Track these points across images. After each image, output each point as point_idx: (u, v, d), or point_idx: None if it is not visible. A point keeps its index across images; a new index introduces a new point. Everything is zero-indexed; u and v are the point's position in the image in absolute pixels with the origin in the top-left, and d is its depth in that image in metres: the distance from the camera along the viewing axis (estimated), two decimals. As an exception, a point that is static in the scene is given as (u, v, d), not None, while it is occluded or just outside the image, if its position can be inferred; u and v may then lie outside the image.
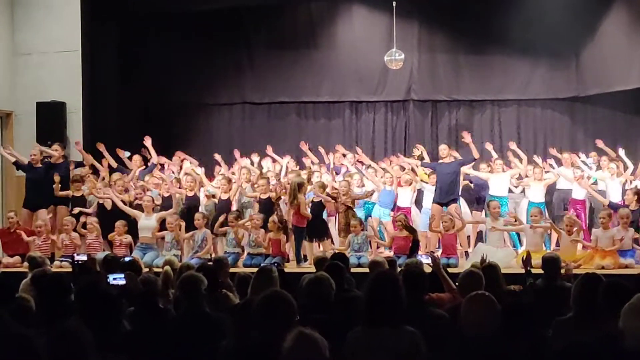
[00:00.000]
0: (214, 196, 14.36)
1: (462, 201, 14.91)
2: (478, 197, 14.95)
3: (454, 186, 14.10)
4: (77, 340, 4.74)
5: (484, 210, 14.61)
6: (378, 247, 14.06)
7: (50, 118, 15.48)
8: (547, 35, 16.42)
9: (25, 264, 11.71)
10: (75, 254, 12.16)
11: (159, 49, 17.80)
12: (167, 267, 9.31)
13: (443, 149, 14.61)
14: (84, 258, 10.36)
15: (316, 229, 13.40)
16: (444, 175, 14.12)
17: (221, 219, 13.48)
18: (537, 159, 15.06)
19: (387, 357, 5.01)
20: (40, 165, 14.19)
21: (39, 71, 15.84)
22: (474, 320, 5.31)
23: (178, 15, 17.16)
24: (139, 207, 13.74)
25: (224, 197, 14.10)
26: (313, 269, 9.24)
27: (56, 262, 12.92)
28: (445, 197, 14.04)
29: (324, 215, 13.92)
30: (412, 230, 12.87)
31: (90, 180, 14.34)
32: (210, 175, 15.58)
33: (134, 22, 16.91)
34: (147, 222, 13.53)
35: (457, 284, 7.24)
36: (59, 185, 13.78)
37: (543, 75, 17.22)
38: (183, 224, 13.61)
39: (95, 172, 14.95)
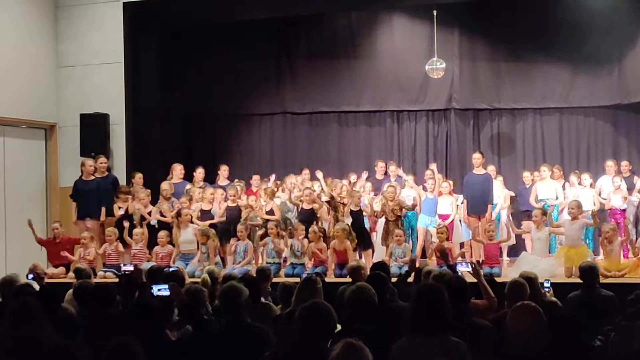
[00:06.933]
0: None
1: (507, 212, 14.99)
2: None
3: (485, 196, 14.09)
4: (132, 356, 4.79)
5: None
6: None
7: (93, 130, 15.55)
8: (589, 42, 16.27)
9: (71, 274, 11.84)
10: (121, 264, 12.27)
11: (200, 60, 17.93)
12: (205, 276, 9.37)
13: (477, 157, 14.58)
14: (131, 268, 10.40)
15: (358, 237, 13.38)
16: (474, 185, 14.12)
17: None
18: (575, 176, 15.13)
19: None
20: (93, 178, 14.43)
21: (82, 83, 15.96)
22: (520, 330, 5.27)
23: (219, 26, 17.23)
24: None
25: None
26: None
27: (100, 273, 13.04)
28: (478, 208, 14.03)
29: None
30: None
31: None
32: (249, 186, 15.65)
33: (175, 34, 16.98)
34: (185, 235, 13.65)
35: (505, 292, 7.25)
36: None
37: (585, 82, 16.98)
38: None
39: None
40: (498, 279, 10.07)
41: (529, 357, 5.13)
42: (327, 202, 14.06)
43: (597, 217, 13.14)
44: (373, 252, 13.80)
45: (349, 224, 13.17)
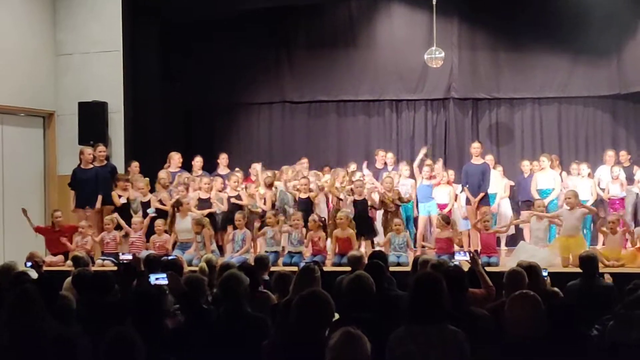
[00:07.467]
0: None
1: (506, 201, 15.01)
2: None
3: (481, 185, 14.11)
4: (131, 347, 4.79)
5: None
6: (423, 247, 14.11)
7: (92, 118, 15.53)
8: (588, 33, 16.22)
9: (69, 262, 11.84)
10: (120, 253, 12.28)
11: (199, 49, 17.86)
12: (203, 264, 9.38)
13: (475, 147, 14.58)
14: (129, 257, 10.39)
15: (363, 226, 13.36)
16: (472, 174, 14.15)
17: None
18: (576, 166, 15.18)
19: (430, 356, 4.99)
20: (91, 167, 14.41)
21: (80, 71, 15.94)
22: (519, 319, 5.27)
23: (218, 15, 17.17)
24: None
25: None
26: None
27: (98, 261, 13.03)
28: (475, 195, 14.07)
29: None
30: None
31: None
32: (248, 175, 15.61)
33: (175, 22, 16.93)
34: (183, 224, 13.64)
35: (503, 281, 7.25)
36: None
37: (584, 72, 16.96)
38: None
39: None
40: (496, 269, 10.11)
41: (527, 346, 5.13)
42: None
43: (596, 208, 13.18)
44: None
45: (353, 213, 13.18)
